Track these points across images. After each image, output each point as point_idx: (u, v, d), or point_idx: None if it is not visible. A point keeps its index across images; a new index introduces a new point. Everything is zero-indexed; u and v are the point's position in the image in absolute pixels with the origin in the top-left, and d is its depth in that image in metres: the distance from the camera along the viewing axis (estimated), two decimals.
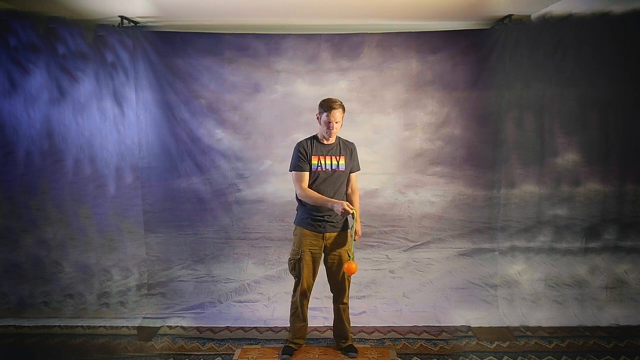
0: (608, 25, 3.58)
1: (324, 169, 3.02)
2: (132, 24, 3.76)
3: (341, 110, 2.98)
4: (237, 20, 3.81)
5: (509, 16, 3.70)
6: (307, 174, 3.01)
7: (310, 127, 3.80)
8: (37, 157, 3.79)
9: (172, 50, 3.74)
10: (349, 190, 3.20)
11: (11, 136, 3.75)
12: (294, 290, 3.17)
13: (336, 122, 2.96)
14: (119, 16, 3.66)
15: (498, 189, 3.83)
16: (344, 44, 3.79)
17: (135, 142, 3.81)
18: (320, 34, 3.79)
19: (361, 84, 3.83)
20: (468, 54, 3.76)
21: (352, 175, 3.18)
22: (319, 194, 2.97)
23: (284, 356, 3.16)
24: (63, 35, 3.65)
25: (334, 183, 3.04)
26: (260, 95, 3.83)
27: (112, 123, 3.79)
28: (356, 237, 3.22)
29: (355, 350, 3.22)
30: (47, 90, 3.71)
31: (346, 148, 3.11)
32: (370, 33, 3.79)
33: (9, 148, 3.77)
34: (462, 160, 3.86)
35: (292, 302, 3.19)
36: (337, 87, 3.81)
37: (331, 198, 2.98)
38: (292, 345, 3.22)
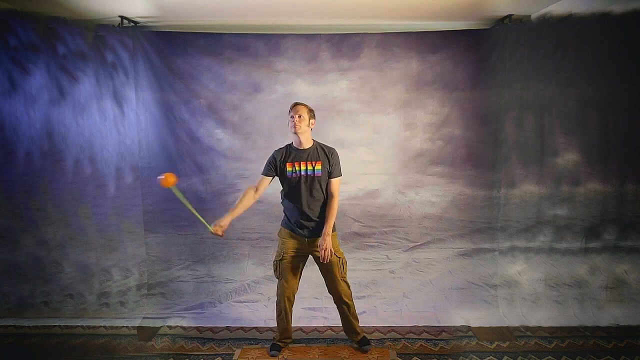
0: (608, 25, 3.58)
1: (298, 175, 3.04)
2: (132, 24, 3.76)
3: (304, 107, 3.04)
4: (237, 20, 3.81)
5: (509, 16, 3.70)
6: (267, 179, 3.12)
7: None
8: (37, 157, 3.79)
9: (172, 50, 3.74)
10: (327, 195, 3.10)
11: (11, 136, 3.75)
12: (277, 294, 3.22)
13: (298, 116, 2.99)
14: (119, 16, 3.66)
15: (498, 189, 3.83)
16: (344, 44, 3.79)
17: (135, 142, 3.81)
18: (320, 34, 3.79)
19: (361, 84, 3.83)
20: (468, 54, 3.75)
21: (332, 180, 3.08)
22: (238, 203, 3.07)
23: (273, 352, 3.22)
24: (63, 35, 3.65)
25: (309, 189, 3.05)
26: (260, 95, 3.83)
27: (112, 123, 3.79)
28: (323, 252, 3.00)
29: (368, 342, 3.26)
30: (47, 90, 3.71)
31: (324, 153, 3.08)
32: (370, 33, 3.79)
33: (9, 148, 3.77)
34: (462, 160, 3.86)
35: (277, 303, 3.24)
36: (337, 87, 3.81)
37: (306, 204, 3.05)
38: (280, 344, 3.27)
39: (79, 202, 3.84)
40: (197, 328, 3.61)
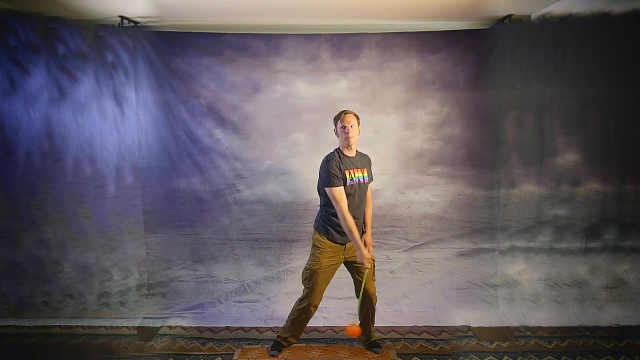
0: (608, 25, 3.58)
1: (356, 182, 3.02)
2: (132, 24, 3.76)
3: (354, 115, 3.03)
4: (237, 20, 3.81)
5: (509, 16, 3.70)
6: (343, 189, 2.93)
7: (310, 127, 3.82)
8: (37, 157, 3.79)
9: (172, 50, 3.74)
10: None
11: (11, 136, 3.75)
12: (303, 300, 3.13)
13: (351, 126, 2.98)
14: (119, 16, 3.66)
15: (498, 189, 3.83)
16: (344, 44, 3.79)
17: (135, 142, 3.81)
18: (320, 34, 3.79)
19: (361, 84, 3.83)
20: (468, 54, 3.75)
21: (369, 185, 3.20)
22: (354, 227, 2.90)
23: (273, 352, 3.20)
24: (63, 35, 3.65)
25: (362, 195, 3.07)
26: (260, 95, 3.83)
27: (112, 123, 3.79)
28: (365, 260, 2.99)
29: (378, 345, 3.28)
30: (47, 90, 3.71)
31: (365, 160, 3.15)
32: (370, 33, 3.79)
33: (9, 148, 3.77)
34: (463, 160, 3.86)
35: (299, 309, 3.15)
36: (337, 87, 3.81)
37: (359, 211, 3.02)
38: (284, 343, 3.25)
39: (79, 202, 3.84)
40: (197, 328, 3.61)
